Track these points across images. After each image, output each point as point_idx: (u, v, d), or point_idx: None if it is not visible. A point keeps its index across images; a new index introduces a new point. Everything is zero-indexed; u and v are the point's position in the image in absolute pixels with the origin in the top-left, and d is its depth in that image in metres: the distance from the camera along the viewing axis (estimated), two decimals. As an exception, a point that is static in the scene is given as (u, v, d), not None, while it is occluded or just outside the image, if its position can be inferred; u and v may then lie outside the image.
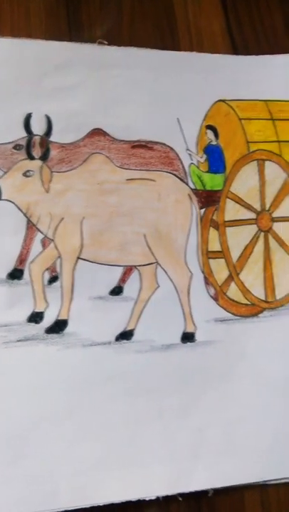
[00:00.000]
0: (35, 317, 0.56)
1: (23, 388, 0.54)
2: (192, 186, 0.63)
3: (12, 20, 0.66)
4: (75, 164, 0.61)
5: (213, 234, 0.63)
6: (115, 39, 0.67)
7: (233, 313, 0.61)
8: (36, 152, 0.59)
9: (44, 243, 0.59)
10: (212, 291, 0.61)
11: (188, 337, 0.59)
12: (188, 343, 0.59)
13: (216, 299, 0.61)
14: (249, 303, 0.63)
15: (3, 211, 0.58)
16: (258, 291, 0.63)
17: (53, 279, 0.58)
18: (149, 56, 0.66)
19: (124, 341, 0.57)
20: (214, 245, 0.63)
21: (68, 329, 0.56)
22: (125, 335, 0.58)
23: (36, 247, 0.58)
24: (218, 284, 0.62)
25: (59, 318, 0.57)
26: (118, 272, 0.60)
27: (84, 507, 0.51)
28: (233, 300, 0.62)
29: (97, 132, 0.62)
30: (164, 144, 0.63)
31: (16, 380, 0.54)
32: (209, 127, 0.65)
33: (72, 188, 0.59)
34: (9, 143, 0.59)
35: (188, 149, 0.64)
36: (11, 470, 0.51)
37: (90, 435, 0.54)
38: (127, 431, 0.55)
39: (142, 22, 0.70)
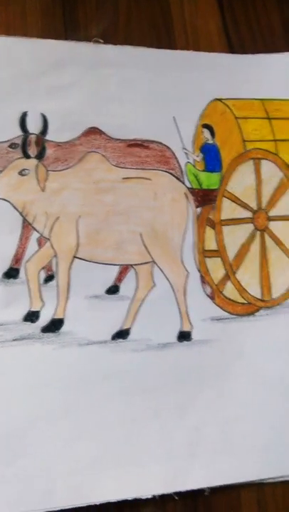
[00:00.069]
0: (31, 316, 0.56)
1: (19, 387, 0.54)
2: (188, 185, 0.63)
3: (8, 19, 0.66)
4: (71, 163, 0.60)
5: (209, 233, 0.63)
6: (111, 38, 0.67)
7: (229, 312, 0.61)
8: (32, 151, 0.59)
9: (40, 242, 0.59)
10: (208, 290, 0.61)
11: (184, 336, 0.59)
12: (185, 342, 0.59)
13: (212, 297, 0.61)
14: (245, 302, 0.63)
15: (-1, 210, 0.58)
16: (255, 290, 0.63)
17: (49, 278, 0.58)
18: (145, 55, 0.66)
19: (121, 340, 0.57)
20: (210, 244, 0.63)
21: (64, 328, 0.56)
22: (121, 334, 0.57)
23: (32, 246, 0.58)
24: (214, 283, 0.62)
25: (55, 317, 0.57)
26: (114, 271, 0.60)
27: (80, 506, 0.51)
28: (230, 299, 0.62)
29: (93, 131, 0.62)
30: (160, 143, 0.63)
31: (12, 379, 0.54)
32: (205, 126, 0.65)
33: (68, 187, 0.59)
34: (5, 142, 0.59)
35: (184, 148, 0.64)
36: (7, 469, 0.51)
37: (86, 434, 0.54)
38: (124, 430, 0.55)
39: (138, 21, 0.70)
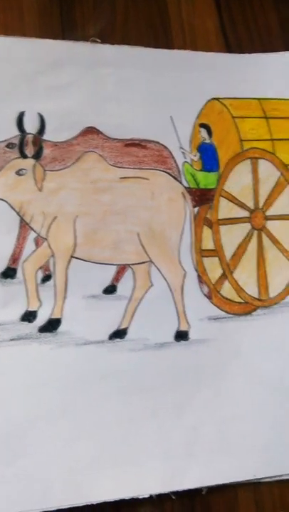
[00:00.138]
0: (29, 316, 0.56)
1: (16, 387, 0.54)
2: (186, 185, 0.63)
3: (5, 19, 0.66)
4: (68, 163, 0.60)
5: (206, 232, 0.63)
6: (109, 38, 0.67)
7: (226, 312, 0.61)
8: (29, 151, 0.59)
9: (37, 242, 0.59)
10: (206, 289, 0.62)
11: (181, 335, 0.59)
12: (182, 342, 0.59)
13: (209, 297, 0.61)
14: (242, 301, 0.63)
15: (-4, 210, 0.58)
16: (252, 290, 0.63)
17: (46, 278, 0.58)
18: (143, 55, 0.66)
19: (118, 340, 0.57)
20: (208, 244, 0.63)
21: (61, 328, 0.56)
22: (119, 333, 0.57)
23: (29, 245, 0.58)
24: (211, 283, 0.62)
25: (52, 317, 0.57)
26: (112, 271, 0.60)
27: (78, 505, 0.51)
28: (227, 298, 0.62)
29: (90, 131, 0.62)
30: (158, 143, 0.63)
31: (10, 379, 0.54)
32: (203, 125, 0.65)
33: (66, 187, 0.59)
34: (2, 141, 0.59)
35: (181, 148, 0.64)
36: (5, 469, 0.51)
37: (83, 434, 0.54)
38: (121, 429, 0.55)
39: (136, 20, 0.70)
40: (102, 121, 0.62)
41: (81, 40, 0.66)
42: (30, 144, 0.60)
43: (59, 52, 0.64)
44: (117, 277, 0.60)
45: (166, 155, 0.63)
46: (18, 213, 0.58)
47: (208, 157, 0.65)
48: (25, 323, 0.56)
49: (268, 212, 0.65)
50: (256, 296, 0.63)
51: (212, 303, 0.61)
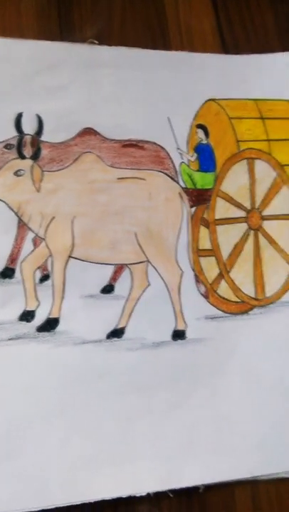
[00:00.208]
0: (27, 316, 0.56)
1: (14, 386, 0.54)
2: (183, 185, 0.64)
3: (3, 20, 0.66)
4: (66, 163, 0.61)
5: (203, 232, 0.64)
6: (106, 39, 0.67)
7: (223, 311, 0.62)
8: (27, 151, 0.60)
9: (35, 242, 0.59)
10: (202, 289, 0.62)
11: (178, 334, 0.59)
12: (179, 341, 0.59)
13: (206, 296, 0.62)
14: (239, 300, 0.63)
15: (-6, 210, 0.58)
16: (248, 289, 0.63)
17: (45, 278, 0.58)
18: (140, 56, 0.66)
19: (116, 339, 0.58)
20: (205, 243, 0.63)
21: (59, 327, 0.57)
22: (116, 333, 0.58)
23: (27, 246, 0.59)
24: (208, 282, 0.62)
25: (50, 316, 0.57)
26: (109, 271, 0.60)
27: (75, 504, 0.52)
28: (224, 298, 0.63)
29: (88, 131, 0.62)
30: (155, 143, 0.64)
31: (7, 378, 0.54)
32: (200, 126, 0.66)
33: (63, 187, 0.60)
34: (0, 142, 0.59)
35: (178, 148, 0.64)
36: (3, 467, 0.52)
37: (81, 432, 0.54)
38: (119, 428, 0.55)
39: (133, 21, 0.70)
40: (99, 122, 0.63)
41: (79, 42, 0.66)
42: (28, 145, 0.60)
43: (57, 53, 0.65)
44: (115, 277, 0.60)
45: (163, 156, 0.64)
46: (16, 214, 0.59)
47: (205, 158, 0.65)
48: (24, 322, 0.56)
49: (265, 212, 0.66)
50: (253, 295, 0.63)
51: (209, 302, 0.62)
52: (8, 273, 0.57)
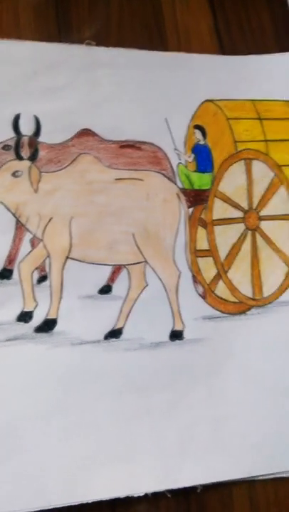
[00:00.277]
0: (25, 316, 0.56)
1: (12, 387, 0.54)
2: (180, 186, 0.64)
3: (1, 21, 0.66)
4: (64, 164, 0.61)
5: (201, 233, 0.64)
6: (104, 40, 0.68)
7: (221, 311, 0.62)
8: (25, 152, 0.60)
9: (33, 243, 0.59)
10: (200, 289, 0.62)
11: (176, 335, 0.59)
12: (177, 341, 0.59)
13: (204, 297, 0.62)
14: (237, 301, 0.63)
15: (-8, 211, 0.58)
16: (246, 289, 0.63)
17: (42, 279, 0.58)
18: (137, 57, 0.67)
19: (113, 339, 0.58)
20: (202, 244, 0.64)
21: (57, 328, 0.57)
22: (114, 333, 0.58)
23: (25, 246, 0.59)
24: (206, 282, 0.63)
25: (48, 317, 0.57)
26: (107, 271, 0.60)
27: (74, 504, 0.52)
28: (221, 298, 0.63)
29: (85, 132, 0.62)
30: (152, 144, 0.64)
31: (5, 378, 0.54)
32: (197, 127, 0.66)
33: (61, 188, 0.60)
34: (-2, 143, 0.60)
35: (176, 149, 0.64)
36: (1, 468, 0.52)
37: (79, 433, 0.54)
38: (117, 428, 0.55)
39: (131, 22, 0.70)
40: (97, 123, 0.63)
41: (77, 43, 0.66)
42: (26, 146, 0.60)
43: (54, 54, 0.65)
44: (113, 277, 0.60)
45: (160, 156, 0.64)
46: (14, 215, 0.59)
47: (202, 158, 0.65)
48: (22, 323, 0.56)
49: (262, 213, 0.66)
50: (250, 295, 0.63)
51: (207, 302, 0.62)
52: (6, 274, 0.58)
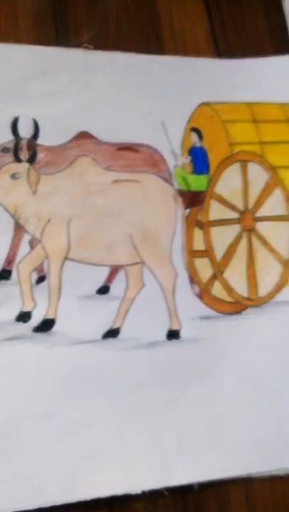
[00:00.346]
0: (23, 316, 0.57)
1: (11, 387, 0.54)
2: (177, 187, 0.64)
3: (0, 26, 0.67)
4: (62, 167, 0.61)
5: (197, 234, 0.64)
6: (102, 43, 0.68)
7: (217, 311, 0.62)
8: (23, 155, 0.60)
9: (32, 244, 0.60)
10: (197, 289, 0.63)
11: (173, 334, 0.60)
12: (174, 341, 0.60)
13: (200, 297, 0.62)
14: (233, 301, 0.64)
15: (-9, 213, 0.59)
16: (242, 289, 0.64)
17: (41, 279, 0.59)
18: (134, 60, 0.67)
19: (111, 339, 0.58)
20: (199, 245, 0.64)
21: (56, 328, 0.57)
22: (112, 333, 0.58)
23: (24, 247, 0.59)
24: (202, 283, 0.63)
25: (46, 317, 0.57)
26: (105, 272, 0.61)
27: (72, 502, 0.52)
28: (218, 298, 0.63)
29: (83, 135, 0.63)
30: (149, 146, 0.64)
31: (4, 378, 0.54)
32: (193, 129, 0.66)
33: (59, 190, 0.60)
34: (-4, 146, 0.60)
35: (173, 151, 0.65)
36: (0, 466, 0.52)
37: (77, 432, 0.54)
38: (114, 427, 0.55)
39: (128, 26, 0.71)
40: (94, 125, 0.63)
41: (75, 46, 0.67)
42: (25, 149, 0.61)
43: (52, 58, 0.65)
44: (110, 278, 0.61)
45: (157, 158, 0.64)
46: (12, 216, 0.59)
47: (198, 160, 0.66)
48: (20, 323, 0.57)
49: (258, 214, 0.66)
50: (246, 295, 0.64)
51: (203, 302, 0.62)
52: (4, 275, 0.58)
